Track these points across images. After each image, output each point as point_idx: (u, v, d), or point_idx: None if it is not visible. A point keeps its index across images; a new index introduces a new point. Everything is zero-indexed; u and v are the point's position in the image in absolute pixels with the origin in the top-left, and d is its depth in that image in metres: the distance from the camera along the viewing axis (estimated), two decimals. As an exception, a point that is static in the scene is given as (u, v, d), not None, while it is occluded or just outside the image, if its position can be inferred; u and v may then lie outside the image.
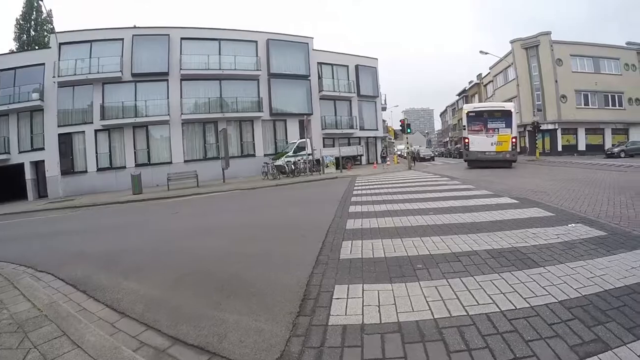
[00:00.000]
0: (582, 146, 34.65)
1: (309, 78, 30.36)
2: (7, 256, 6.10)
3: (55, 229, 9.82)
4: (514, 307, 2.83)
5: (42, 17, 38.34)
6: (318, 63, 31.58)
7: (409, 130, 25.61)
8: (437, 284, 3.40)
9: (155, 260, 5.26)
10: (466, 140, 20.08)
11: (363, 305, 3.06)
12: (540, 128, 31.35)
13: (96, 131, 24.45)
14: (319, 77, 31.33)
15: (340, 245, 5.08)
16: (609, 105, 35.53)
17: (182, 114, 25.53)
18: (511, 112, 19.64)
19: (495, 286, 3.25)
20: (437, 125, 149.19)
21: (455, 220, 6.17)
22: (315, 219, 7.39)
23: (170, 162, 25.34)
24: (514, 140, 19.20)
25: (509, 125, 19.35)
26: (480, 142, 19.43)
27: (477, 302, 2.96)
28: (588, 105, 35.19)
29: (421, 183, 13.34)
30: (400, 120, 26.10)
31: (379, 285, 3.48)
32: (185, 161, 25.65)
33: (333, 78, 32.39)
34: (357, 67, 34.02)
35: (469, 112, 20.47)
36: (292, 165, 22.43)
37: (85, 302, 3.77)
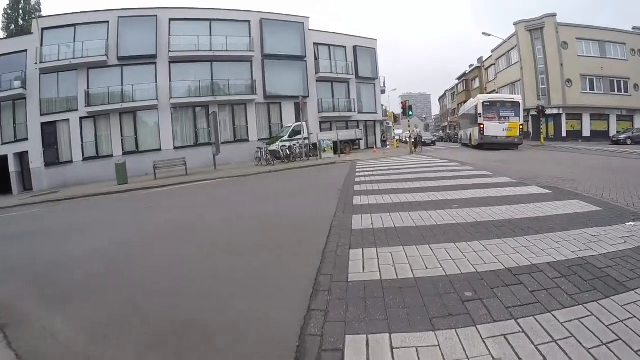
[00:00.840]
0: (586, 132, 34.17)
1: (305, 59, 29.00)
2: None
3: (19, 230, 8.57)
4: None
5: (31, 6, 37.43)
6: (314, 44, 30.18)
7: (410, 113, 25.20)
8: (505, 330, 2.13)
9: (98, 279, 3.96)
10: (481, 126, 22.59)
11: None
12: (545, 113, 30.30)
13: (81, 119, 23.45)
14: (316, 59, 29.97)
15: (347, 256, 3.69)
16: (614, 91, 34.94)
17: (171, 98, 24.36)
18: (519, 103, 23.23)
19: (589, 330, 2.07)
20: (435, 110, 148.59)
21: (488, 216, 4.96)
22: (313, 214, 6.15)
23: (160, 149, 24.19)
24: (521, 126, 22.80)
25: (517, 114, 22.63)
26: (494, 128, 22.27)
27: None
28: (594, 91, 34.61)
29: (431, 169, 12.16)
30: (402, 102, 25.80)
31: (416, 334, 2.15)
32: (175, 148, 24.57)
33: (330, 59, 30.94)
34: (355, 48, 32.61)
35: (484, 102, 23.14)
36: (287, 150, 21.24)
37: (-6, 347, 2.56)
